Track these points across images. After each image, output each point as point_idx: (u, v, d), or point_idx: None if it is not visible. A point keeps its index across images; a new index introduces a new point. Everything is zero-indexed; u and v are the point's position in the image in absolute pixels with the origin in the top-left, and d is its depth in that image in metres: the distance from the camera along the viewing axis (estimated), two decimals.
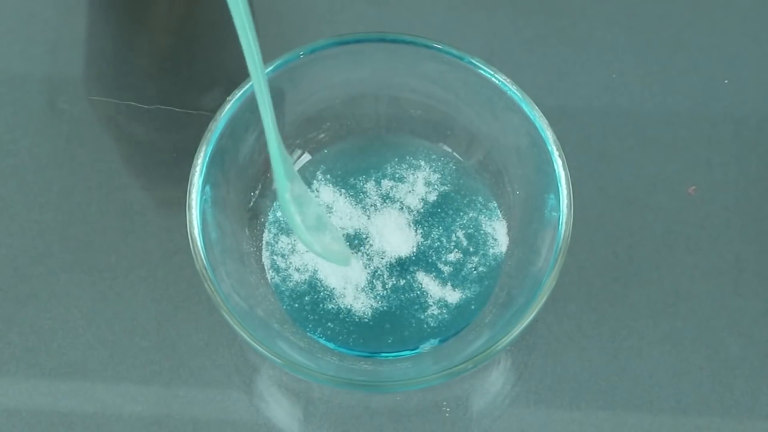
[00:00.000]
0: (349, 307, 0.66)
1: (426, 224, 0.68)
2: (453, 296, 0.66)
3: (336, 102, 0.68)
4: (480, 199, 0.68)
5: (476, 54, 0.65)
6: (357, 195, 0.68)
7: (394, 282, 0.66)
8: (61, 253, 0.69)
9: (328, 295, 0.66)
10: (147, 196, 0.71)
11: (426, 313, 0.66)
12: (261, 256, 0.67)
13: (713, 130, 0.72)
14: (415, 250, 0.67)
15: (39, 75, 0.74)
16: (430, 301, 0.66)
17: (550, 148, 0.63)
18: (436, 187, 0.68)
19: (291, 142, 0.68)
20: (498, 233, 0.68)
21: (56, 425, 0.66)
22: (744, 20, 0.75)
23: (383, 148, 0.69)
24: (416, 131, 0.69)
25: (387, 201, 0.68)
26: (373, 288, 0.66)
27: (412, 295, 0.66)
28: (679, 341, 0.68)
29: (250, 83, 0.64)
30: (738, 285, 0.69)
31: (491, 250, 0.67)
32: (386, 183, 0.68)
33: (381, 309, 0.66)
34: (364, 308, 0.66)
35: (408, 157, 0.69)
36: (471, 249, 0.67)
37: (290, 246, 0.67)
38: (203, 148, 0.63)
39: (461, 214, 0.68)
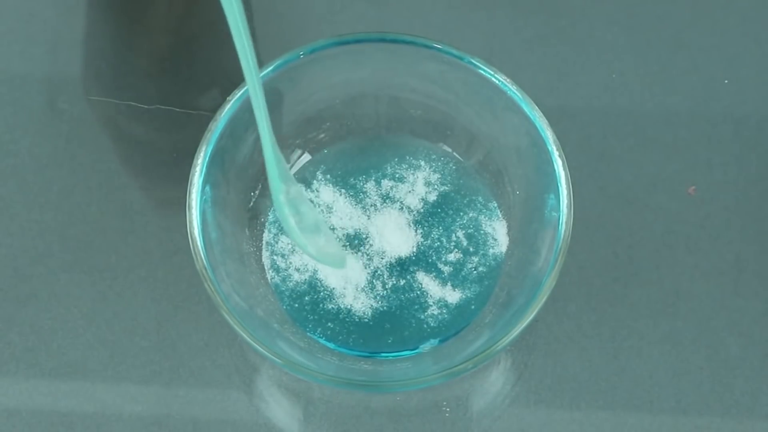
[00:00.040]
0: (349, 307, 0.66)
1: (426, 224, 0.68)
2: (453, 296, 0.66)
3: (336, 102, 0.68)
4: (480, 199, 0.68)
5: (476, 54, 0.65)
6: (357, 195, 0.68)
7: (394, 282, 0.66)
8: (61, 253, 0.69)
9: (328, 295, 0.66)
10: (147, 196, 0.71)
11: (426, 313, 0.66)
12: (261, 256, 0.67)
13: (713, 130, 0.72)
14: (415, 250, 0.67)
15: (39, 75, 0.74)
16: (430, 301, 0.66)
17: (550, 148, 0.63)
18: (436, 187, 0.68)
19: (291, 142, 0.68)
20: (498, 233, 0.68)
21: (56, 425, 0.66)
22: (744, 20, 0.75)
23: (383, 148, 0.69)
24: (416, 131, 0.69)
25: (387, 201, 0.68)
26: (373, 288, 0.66)
27: (412, 295, 0.66)
28: (679, 341, 0.68)
29: None
30: (738, 285, 0.69)
31: (491, 250, 0.67)
32: (386, 183, 0.68)
33: (381, 309, 0.66)
34: (364, 308, 0.66)
35: (408, 157, 0.69)
36: (471, 249, 0.67)
37: (290, 246, 0.67)
38: (203, 148, 0.63)
39: (461, 214, 0.68)
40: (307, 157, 0.69)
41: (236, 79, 0.64)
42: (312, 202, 0.68)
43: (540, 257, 0.63)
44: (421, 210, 0.68)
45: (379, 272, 0.67)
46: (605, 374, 0.67)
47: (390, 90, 0.68)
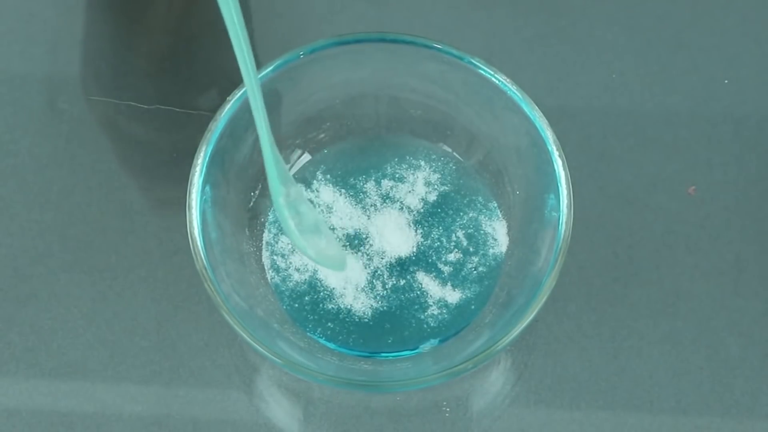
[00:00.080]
0: (349, 307, 0.66)
1: (426, 224, 0.68)
2: (453, 296, 0.66)
3: (336, 102, 0.68)
4: (480, 199, 0.68)
5: (476, 54, 0.65)
6: (357, 195, 0.68)
7: (394, 282, 0.66)
8: (61, 253, 0.69)
9: (328, 295, 0.66)
10: (147, 196, 0.71)
11: (426, 313, 0.66)
12: (261, 256, 0.67)
13: (713, 130, 0.72)
14: (415, 250, 0.67)
15: (39, 75, 0.74)
16: (430, 301, 0.66)
17: (550, 148, 0.63)
18: (436, 187, 0.68)
19: (291, 142, 0.68)
20: (498, 233, 0.68)
21: (56, 425, 0.66)
22: (744, 20, 0.75)
23: (383, 148, 0.69)
24: (416, 131, 0.69)
25: (387, 201, 0.68)
26: (373, 288, 0.66)
27: (412, 295, 0.66)
28: (679, 341, 0.68)
29: None
30: (738, 285, 0.69)
31: (491, 250, 0.67)
32: (386, 183, 0.68)
33: (381, 309, 0.66)
34: (364, 308, 0.66)
35: (408, 157, 0.69)
36: (471, 249, 0.67)
37: (290, 246, 0.67)
38: (203, 148, 0.63)
39: (461, 214, 0.68)
40: (307, 157, 0.69)
41: (236, 79, 0.64)
42: (312, 202, 0.68)
43: (540, 257, 0.63)
44: (421, 210, 0.68)
45: (379, 272, 0.67)
46: (605, 374, 0.67)
47: (390, 90, 0.68)
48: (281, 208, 0.63)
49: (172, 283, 0.69)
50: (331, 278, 0.66)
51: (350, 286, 0.66)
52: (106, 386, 0.67)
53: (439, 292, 0.66)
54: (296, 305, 0.66)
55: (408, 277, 0.67)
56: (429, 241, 0.67)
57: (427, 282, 0.66)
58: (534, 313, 0.60)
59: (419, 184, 0.68)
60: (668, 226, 0.70)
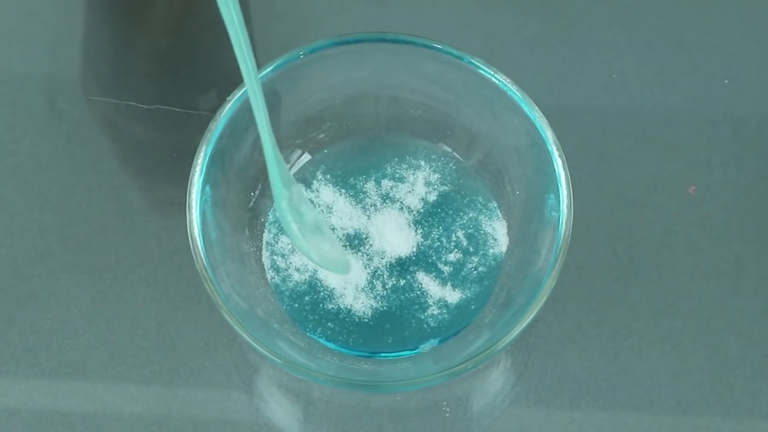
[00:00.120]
0: (349, 307, 0.66)
1: (426, 224, 0.68)
2: (453, 296, 0.66)
3: (336, 102, 0.68)
4: (480, 199, 0.68)
5: (476, 54, 0.65)
6: (357, 195, 0.68)
7: (394, 282, 0.66)
8: (61, 253, 0.69)
9: (328, 295, 0.66)
10: (147, 196, 0.71)
11: (426, 313, 0.66)
12: (261, 256, 0.67)
13: (713, 130, 0.72)
14: (415, 250, 0.67)
15: (39, 75, 0.74)
16: (430, 301, 0.66)
17: (550, 148, 0.63)
18: (436, 187, 0.68)
19: (291, 142, 0.68)
20: (498, 233, 0.68)
21: (56, 425, 0.66)
22: (744, 20, 0.75)
23: (383, 148, 0.69)
24: (416, 131, 0.69)
25: (387, 201, 0.68)
26: (373, 288, 0.66)
27: (412, 295, 0.66)
28: (679, 341, 0.68)
29: None
30: (738, 285, 0.69)
31: (491, 250, 0.67)
32: (386, 183, 0.68)
33: (381, 309, 0.66)
34: (364, 308, 0.66)
35: (408, 157, 0.69)
36: (471, 249, 0.67)
37: (290, 246, 0.67)
38: (203, 148, 0.63)
39: (461, 214, 0.68)
40: (307, 157, 0.69)
41: (236, 78, 0.64)
42: (312, 202, 0.68)
43: (540, 257, 0.63)
44: (421, 210, 0.68)
45: (379, 272, 0.67)
46: (605, 374, 0.67)
47: (390, 90, 0.68)
48: (284, 212, 0.63)
49: (172, 283, 0.69)
50: (331, 278, 0.66)
51: (350, 286, 0.66)
52: (106, 386, 0.67)
53: (439, 292, 0.66)
54: (296, 305, 0.66)
55: (408, 277, 0.67)
56: (429, 241, 0.67)
57: (427, 282, 0.66)
58: (534, 313, 0.60)
59: (419, 184, 0.68)
60: (668, 226, 0.70)
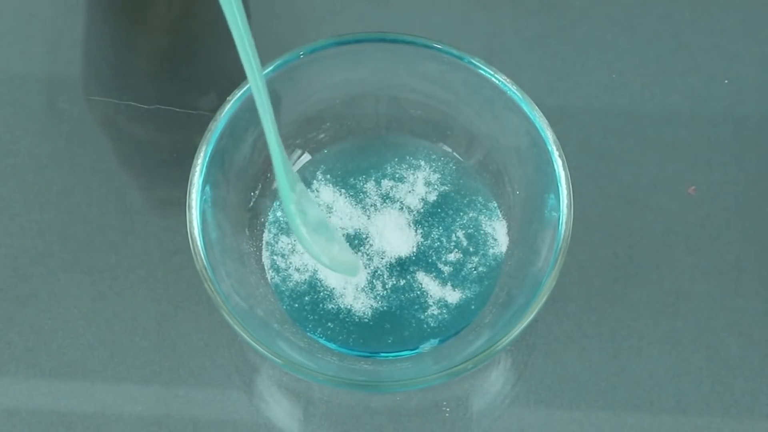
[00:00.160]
0: (349, 307, 0.66)
1: (426, 224, 0.68)
2: (453, 296, 0.66)
3: (336, 102, 0.68)
4: (480, 199, 0.68)
5: (476, 54, 0.65)
6: (357, 195, 0.68)
7: (394, 282, 0.66)
8: (61, 253, 0.69)
9: (328, 295, 0.66)
10: (147, 196, 0.71)
11: (426, 313, 0.66)
12: (261, 256, 0.67)
13: (713, 130, 0.72)
14: (415, 250, 0.67)
15: (39, 75, 0.74)
16: (430, 301, 0.66)
17: (550, 148, 0.63)
18: (436, 187, 0.68)
19: (291, 142, 0.68)
20: (498, 233, 0.68)
21: (56, 425, 0.66)
22: (744, 20, 0.75)
23: (383, 148, 0.69)
24: (416, 131, 0.69)
25: (387, 201, 0.68)
26: (373, 288, 0.66)
27: (412, 295, 0.66)
28: (679, 341, 0.68)
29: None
30: (738, 285, 0.69)
31: (491, 250, 0.67)
32: (386, 183, 0.68)
33: (381, 309, 0.66)
34: (364, 308, 0.66)
35: (408, 157, 0.69)
36: (471, 249, 0.67)
37: (290, 246, 0.67)
38: (203, 148, 0.63)
39: (461, 214, 0.68)
40: (307, 157, 0.69)
41: (236, 79, 0.64)
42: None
43: (540, 257, 0.63)
44: (421, 210, 0.68)
45: (379, 272, 0.67)
46: (605, 374, 0.67)
47: (390, 90, 0.68)
48: (293, 215, 0.63)
49: (172, 283, 0.69)
50: (331, 278, 0.66)
51: (350, 286, 0.66)
52: (106, 386, 0.67)
53: (439, 292, 0.66)
54: (296, 305, 0.66)
55: (408, 277, 0.67)
56: (429, 241, 0.67)
57: (427, 282, 0.66)
58: (534, 313, 0.60)
59: (419, 184, 0.68)
60: (668, 226, 0.70)
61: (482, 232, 0.68)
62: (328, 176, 0.69)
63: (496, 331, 0.62)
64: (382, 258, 0.67)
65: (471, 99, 0.67)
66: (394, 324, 0.66)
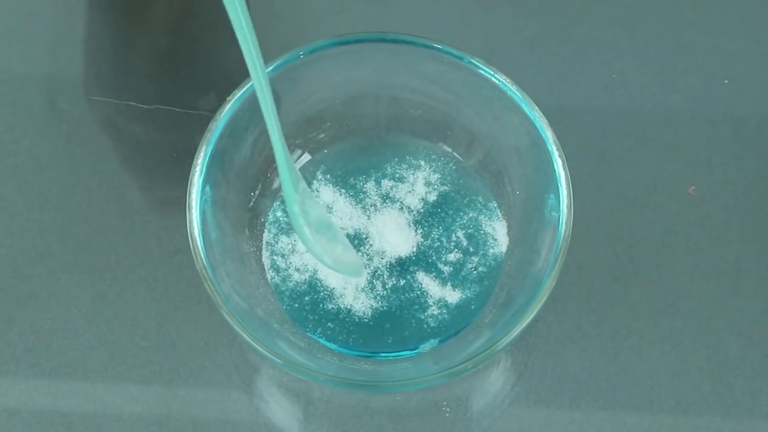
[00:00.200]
0: (349, 307, 0.66)
1: (426, 224, 0.68)
2: (453, 296, 0.66)
3: (336, 102, 0.68)
4: (480, 199, 0.68)
5: (476, 54, 0.65)
6: (357, 195, 0.68)
7: (394, 282, 0.66)
8: (61, 253, 0.69)
9: (328, 295, 0.66)
10: (147, 196, 0.71)
11: (426, 313, 0.66)
12: (261, 256, 0.67)
13: (713, 130, 0.72)
14: (415, 250, 0.67)
15: (39, 75, 0.74)
16: (430, 301, 0.66)
17: (550, 148, 0.63)
18: (436, 187, 0.68)
19: (291, 142, 0.68)
20: (498, 233, 0.68)
21: (56, 425, 0.66)
22: (744, 20, 0.75)
23: (383, 148, 0.69)
24: (416, 131, 0.69)
25: (387, 201, 0.68)
26: (373, 288, 0.66)
27: (412, 295, 0.66)
28: (679, 341, 0.68)
29: (250, 83, 0.64)
30: (738, 285, 0.69)
31: (491, 250, 0.67)
32: (386, 183, 0.68)
33: (381, 309, 0.66)
34: (364, 308, 0.66)
35: (408, 157, 0.69)
36: (471, 249, 0.67)
37: (290, 246, 0.67)
38: (203, 148, 0.63)
39: (461, 214, 0.68)
40: (307, 157, 0.69)
41: (236, 79, 0.64)
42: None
43: (540, 257, 0.63)
44: (421, 210, 0.68)
45: (379, 272, 0.67)
46: (605, 374, 0.67)
47: (390, 90, 0.68)
48: (296, 216, 0.63)
49: (172, 283, 0.69)
50: (331, 278, 0.66)
51: (350, 286, 0.66)
52: (106, 386, 0.67)
53: (439, 292, 0.66)
54: (296, 305, 0.66)
55: (408, 277, 0.67)
56: (429, 241, 0.67)
57: (427, 282, 0.66)
58: (534, 313, 0.60)
59: (419, 184, 0.68)
60: (668, 226, 0.70)
61: (482, 232, 0.68)
62: (328, 176, 0.69)
63: (496, 331, 0.62)
64: (382, 258, 0.67)
65: (471, 99, 0.67)
66: (394, 324, 0.66)
